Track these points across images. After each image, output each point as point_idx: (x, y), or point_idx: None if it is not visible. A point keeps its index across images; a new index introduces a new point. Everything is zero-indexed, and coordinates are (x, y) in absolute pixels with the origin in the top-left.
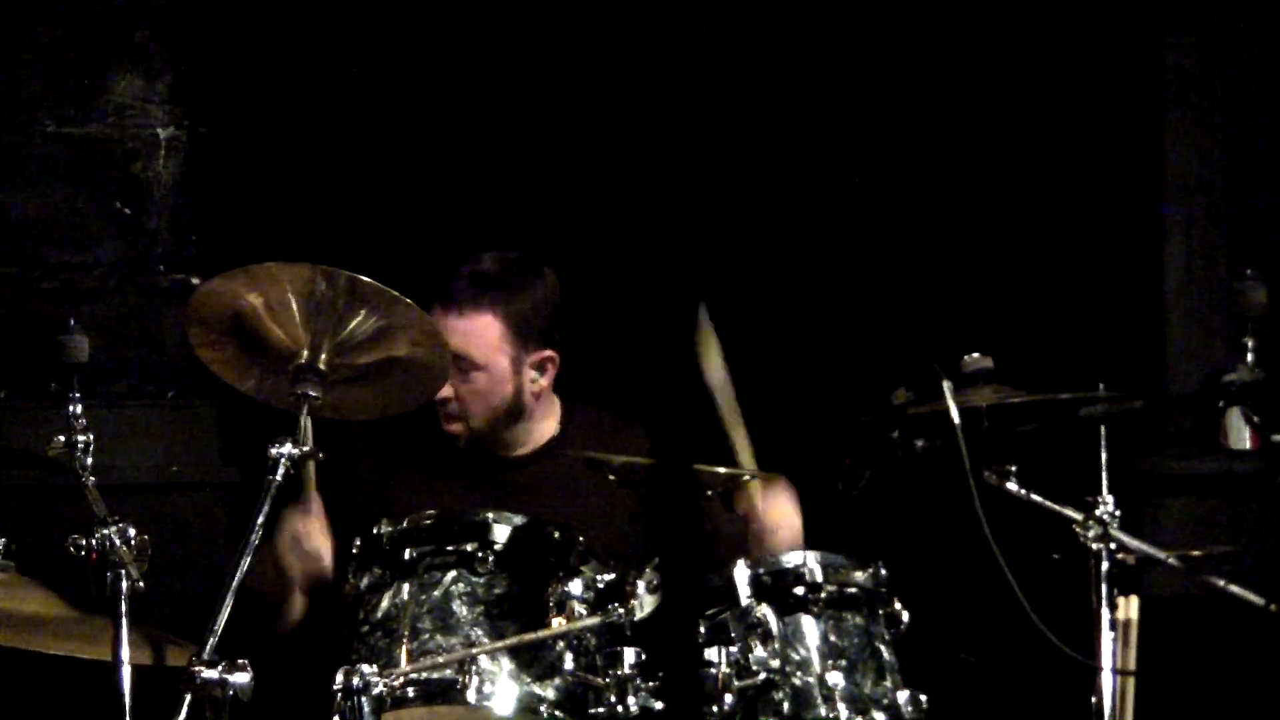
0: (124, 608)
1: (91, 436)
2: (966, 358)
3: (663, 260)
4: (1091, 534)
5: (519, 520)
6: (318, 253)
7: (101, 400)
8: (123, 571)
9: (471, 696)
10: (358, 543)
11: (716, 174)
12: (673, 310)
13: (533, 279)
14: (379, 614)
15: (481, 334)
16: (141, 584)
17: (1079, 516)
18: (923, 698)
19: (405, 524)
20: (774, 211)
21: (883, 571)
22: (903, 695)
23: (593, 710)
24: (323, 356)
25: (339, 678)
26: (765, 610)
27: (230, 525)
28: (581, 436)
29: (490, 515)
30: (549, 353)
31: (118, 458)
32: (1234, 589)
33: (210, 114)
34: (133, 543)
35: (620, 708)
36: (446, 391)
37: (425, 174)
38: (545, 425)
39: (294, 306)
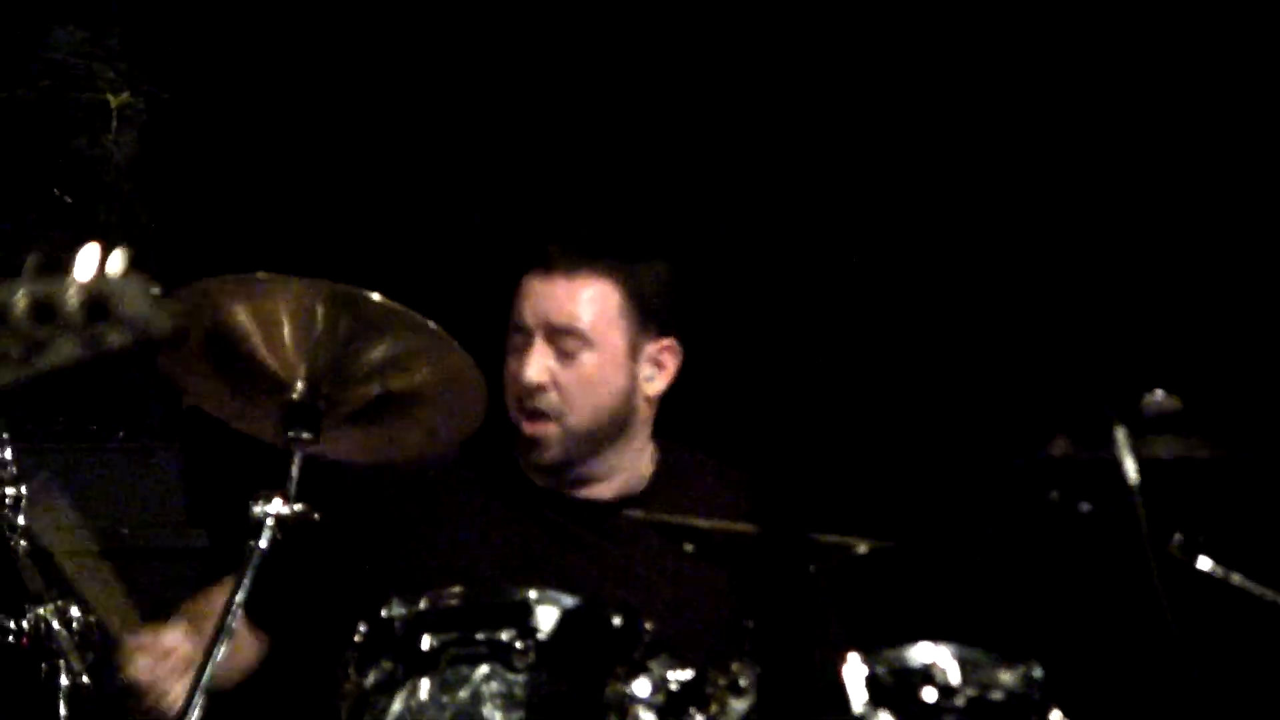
0: (64, 710)
1: (23, 489)
2: (1147, 397)
3: (782, 284)
4: None
5: (569, 601)
6: (309, 258)
7: (30, 442)
8: (61, 663)
9: None
10: (362, 629)
11: (847, 195)
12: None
13: (653, 250)
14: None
15: (596, 302)
16: (86, 679)
17: None
18: None
19: (423, 604)
20: (909, 220)
21: (1036, 672)
22: None
23: None
24: (322, 390)
25: None
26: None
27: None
28: (677, 486)
29: (532, 595)
30: (670, 341)
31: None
32: None
33: (174, 76)
34: (74, 626)
35: None
36: (540, 375)
37: (437, 161)
38: (638, 462)
39: (287, 328)
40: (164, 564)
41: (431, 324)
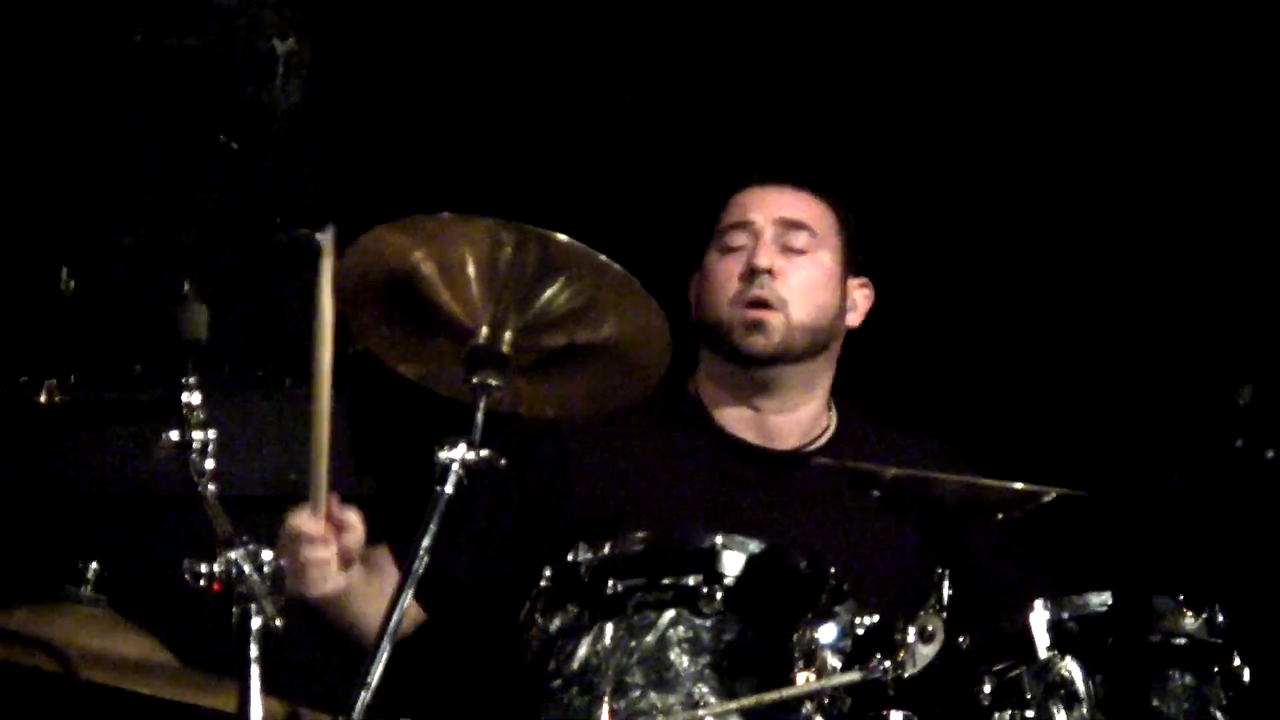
0: (255, 652)
1: (212, 434)
2: None
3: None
4: None
5: (756, 547)
6: (475, 204)
7: (199, 390)
8: (253, 606)
9: None
10: (547, 573)
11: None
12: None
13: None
14: (575, 664)
15: (821, 214)
16: (279, 622)
17: None
18: None
19: (608, 550)
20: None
21: (1220, 617)
22: None
23: None
24: (506, 336)
25: None
26: (1070, 666)
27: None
28: (858, 442)
29: (719, 540)
30: (866, 281)
31: (221, 462)
32: None
33: (341, 23)
34: (266, 569)
35: None
36: (770, 259)
37: (614, 103)
38: (819, 412)
39: (471, 272)
40: None
41: (619, 267)
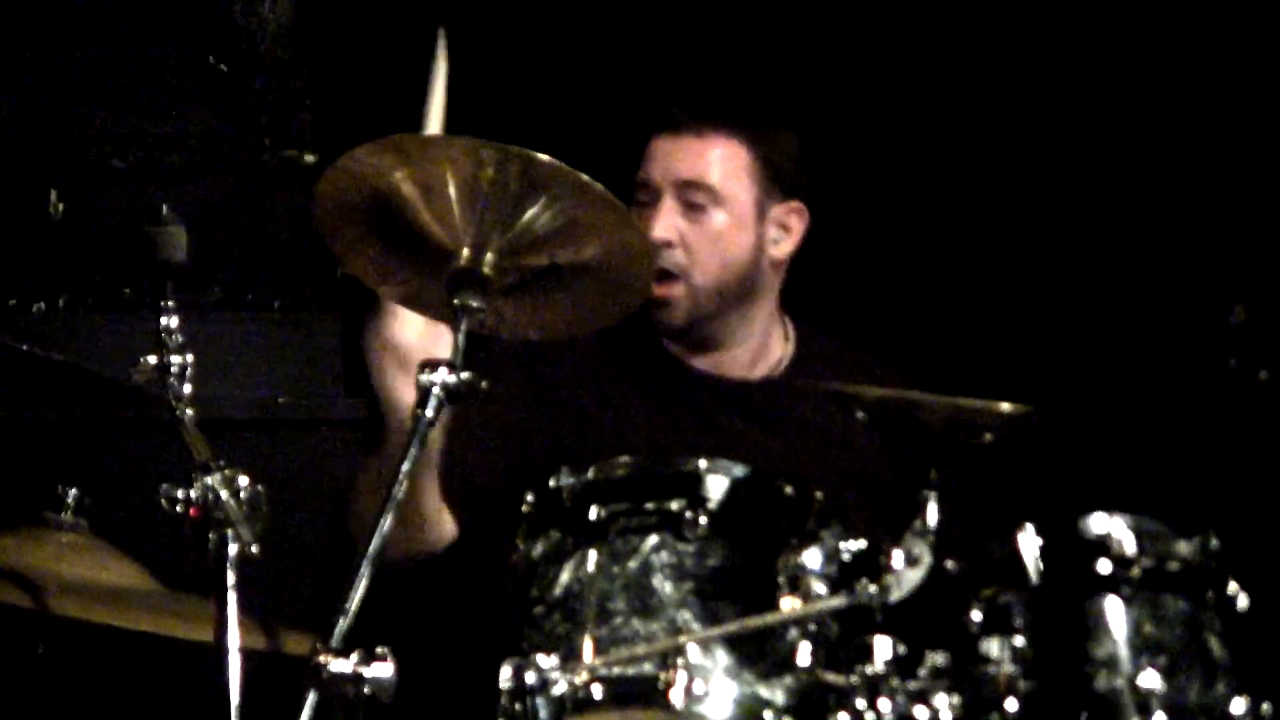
0: (232, 578)
1: (190, 358)
2: None
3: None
4: None
5: (740, 471)
6: (474, 124)
7: (186, 312)
8: (229, 532)
9: (677, 698)
10: (529, 499)
11: None
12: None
13: (782, 114)
14: (557, 590)
15: (724, 160)
16: (256, 548)
17: None
18: (1265, 707)
19: (591, 474)
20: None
21: (1214, 542)
22: (1238, 703)
23: (833, 717)
24: (488, 257)
25: (507, 672)
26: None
27: (352, 472)
28: (820, 364)
29: (703, 464)
30: (797, 204)
31: (208, 385)
32: None
33: None
34: (244, 495)
35: (870, 715)
36: (668, 233)
37: (574, 25)
38: (774, 341)
39: (453, 192)
40: (321, 433)
41: (600, 187)
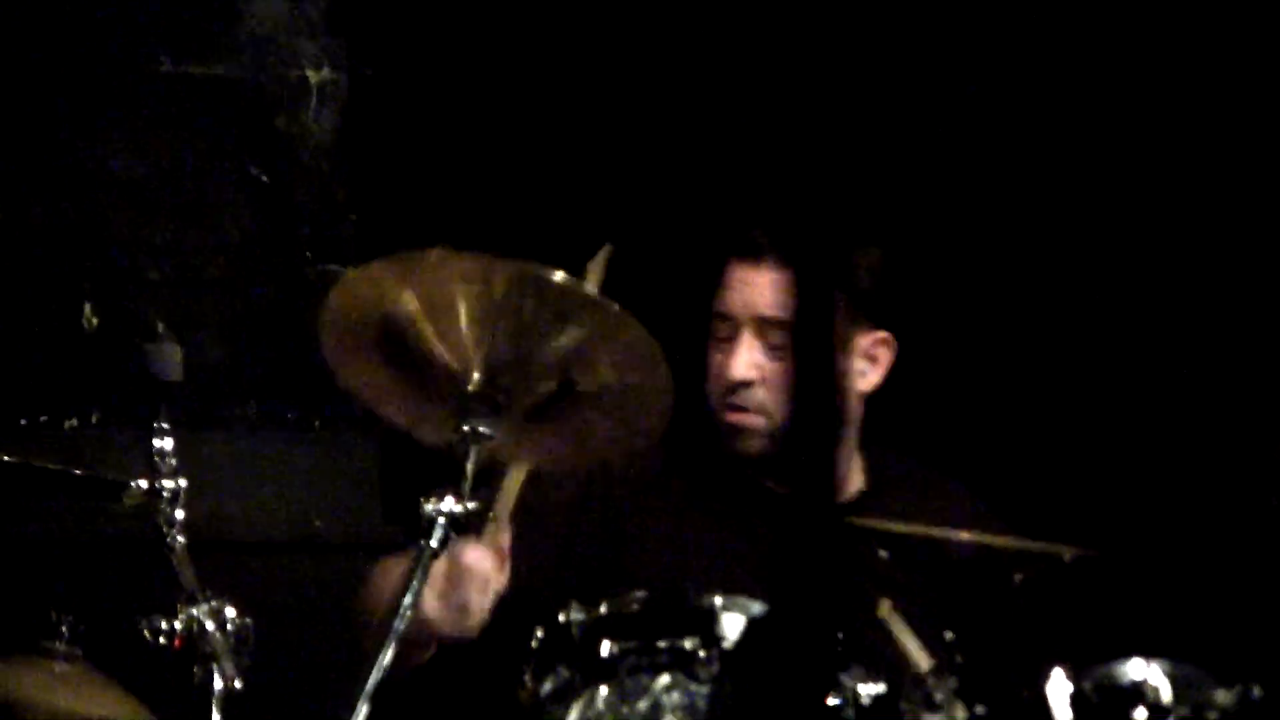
0: (217, 716)
1: (184, 483)
2: None
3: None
4: None
5: (757, 609)
6: (510, 240)
7: (223, 429)
8: (215, 666)
9: None
10: (539, 634)
11: None
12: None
13: (864, 237)
14: None
15: (808, 295)
16: (239, 684)
17: None
18: None
19: (603, 609)
20: None
21: (1255, 692)
22: None
23: None
24: (501, 381)
25: None
26: None
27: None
28: (894, 492)
29: (719, 601)
30: (884, 335)
31: (241, 506)
32: None
33: (376, 51)
34: (229, 628)
35: None
36: (749, 372)
37: (639, 141)
38: (853, 473)
39: (462, 312)
40: (357, 559)
41: (618, 307)
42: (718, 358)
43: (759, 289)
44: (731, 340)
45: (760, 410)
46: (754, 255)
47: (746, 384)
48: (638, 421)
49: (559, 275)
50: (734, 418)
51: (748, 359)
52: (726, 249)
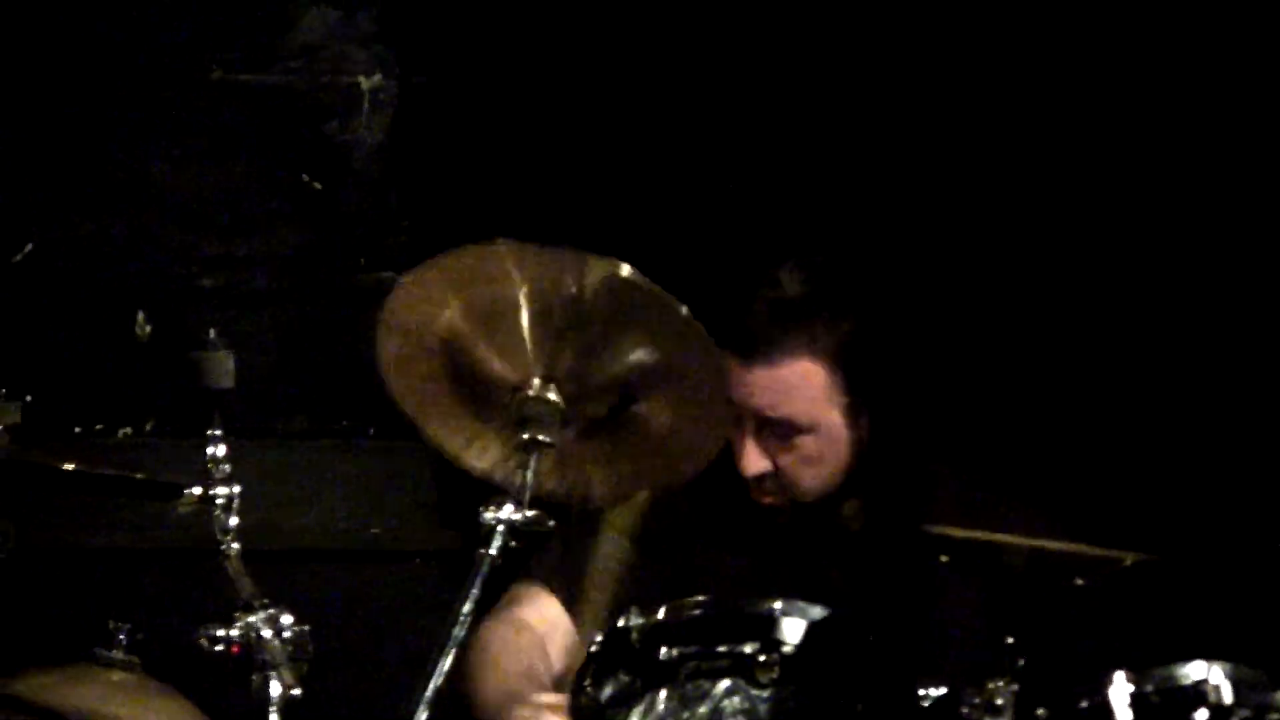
0: None
1: (237, 489)
2: None
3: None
4: None
5: (818, 613)
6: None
7: (278, 439)
8: (271, 675)
9: None
10: (598, 640)
11: None
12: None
13: (853, 292)
14: None
15: (801, 387)
16: (297, 691)
17: None
18: None
19: (663, 615)
20: None
21: None
22: None
23: None
24: (563, 386)
25: None
26: None
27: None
28: (942, 505)
29: (778, 606)
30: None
31: (298, 515)
32: None
33: (427, 58)
34: (287, 635)
35: None
36: (758, 467)
37: (688, 147)
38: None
39: (524, 313)
40: (414, 566)
41: (685, 309)
42: (734, 442)
43: (750, 390)
44: (741, 437)
45: (784, 491)
46: (743, 355)
47: (760, 478)
48: (677, 465)
49: (637, 276)
50: (760, 499)
51: (755, 456)
52: (722, 341)
